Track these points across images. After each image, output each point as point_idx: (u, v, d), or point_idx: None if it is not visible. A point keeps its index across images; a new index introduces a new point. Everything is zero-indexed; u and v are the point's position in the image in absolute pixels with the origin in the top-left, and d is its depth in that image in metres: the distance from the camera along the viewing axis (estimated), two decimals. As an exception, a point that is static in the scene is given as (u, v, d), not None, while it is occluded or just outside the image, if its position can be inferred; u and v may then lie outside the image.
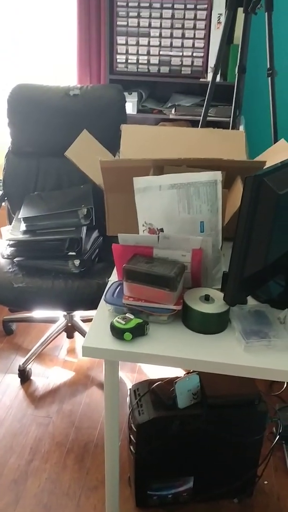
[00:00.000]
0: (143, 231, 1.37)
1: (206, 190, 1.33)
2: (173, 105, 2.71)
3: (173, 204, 1.33)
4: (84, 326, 2.29)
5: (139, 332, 1.18)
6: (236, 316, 1.25)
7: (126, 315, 1.20)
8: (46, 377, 2.20)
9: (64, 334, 2.38)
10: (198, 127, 2.38)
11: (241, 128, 2.56)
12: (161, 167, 1.52)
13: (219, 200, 1.33)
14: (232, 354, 1.15)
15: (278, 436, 1.77)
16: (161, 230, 1.34)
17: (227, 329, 1.23)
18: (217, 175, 1.33)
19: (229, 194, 1.52)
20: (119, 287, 1.30)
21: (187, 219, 1.33)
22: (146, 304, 1.22)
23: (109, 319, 1.21)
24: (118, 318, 1.19)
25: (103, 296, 1.27)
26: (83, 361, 2.29)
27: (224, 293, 1.22)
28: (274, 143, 2.14)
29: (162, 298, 1.21)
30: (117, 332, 1.17)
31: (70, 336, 2.38)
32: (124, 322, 1.17)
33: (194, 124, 2.73)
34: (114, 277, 1.40)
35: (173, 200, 1.33)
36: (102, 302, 1.27)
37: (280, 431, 1.78)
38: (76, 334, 2.38)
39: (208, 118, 2.42)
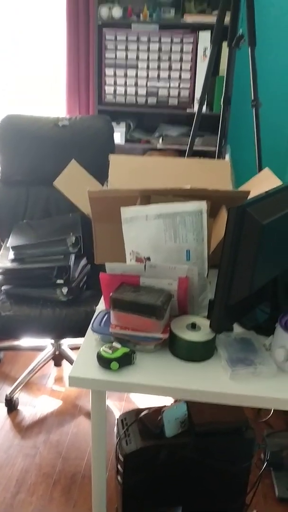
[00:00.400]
0: (130, 260, 1.39)
1: (192, 219, 1.35)
2: (160, 135, 2.77)
3: (160, 234, 1.35)
4: (72, 354, 2.28)
5: (126, 361, 1.18)
6: (223, 344, 1.26)
7: (113, 344, 1.21)
8: (33, 406, 2.18)
9: (52, 362, 2.37)
10: (185, 156, 2.44)
11: (227, 157, 2.62)
12: (148, 196, 1.55)
13: (205, 229, 1.36)
14: (219, 382, 1.16)
15: (265, 463, 1.76)
16: (148, 259, 1.36)
17: (214, 357, 1.24)
18: (202, 205, 1.36)
19: (214, 223, 1.54)
20: (106, 316, 1.30)
21: (174, 248, 1.35)
22: (133, 333, 1.23)
23: (96, 348, 1.21)
24: (105, 347, 1.19)
25: (90, 325, 1.28)
26: (71, 390, 2.28)
27: (210, 321, 1.24)
28: (259, 171, 2.19)
29: (149, 327, 1.22)
30: (104, 362, 1.17)
31: (57, 364, 2.37)
32: (111, 352, 1.18)
33: (181, 153, 2.78)
34: (101, 305, 1.42)
35: (159, 229, 1.35)
36: (89, 331, 1.28)
37: (268, 458, 1.78)
38: (64, 362, 2.37)
39: (195, 148, 2.47)
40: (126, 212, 1.38)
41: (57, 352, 2.30)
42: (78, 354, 1.24)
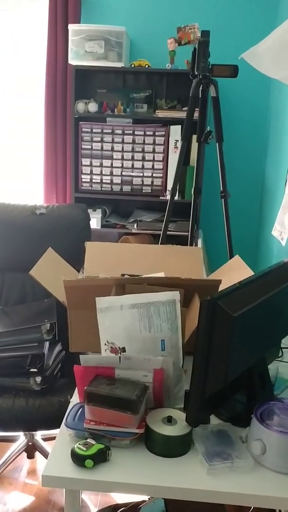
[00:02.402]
0: (105, 350, 1.39)
1: (166, 309, 1.38)
2: (135, 220, 2.85)
3: (135, 323, 1.37)
4: (45, 445, 2.19)
5: (100, 458, 1.15)
6: (199, 437, 1.24)
7: (88, 440, 1.18)
8: (3, 503, 2.06)
9: (25, 454, 2.26)
10: (159, 240, 2.51)
11: (200, 241, 2.70)
12: (122, 285, 1.57)
13: (179, 318, 1.38)
14: (196, 478, 1.13)
15: None
16: (123, 349, 1.37)
17: (191, 451, 1.22)
18: (176, 295, 1.39)
19: (187, 311, 1.57)
20: (80, 410, 1.28)
21: (148, 337, 1.36)
22: (108, 428, 1.20)
23: (70, 445, 1.18)
24: (79, 444, 1.16)
25: (64, 420, 1.25)
26: (44, 484, 2.16)
27: (186, 414, 1.23)
28: (230, 258, 2.26)
29: (124, 422, 1.20)
30: (78, 459, 1.14)
31: (30, 456, 2.27)
32: (85, 449, 1.15)
33: (155, 237, 2.86)
34: (75, 397, 1.39)
35: (134, 319, 1.37)
36: (63, 426, 1.25)
37: None
38: (37, 453, 2.27)
39: (169, 232, 2.55)
40: (101, 302, 1.40)
41: (30, 444, 2.21)
42: (51, 450, 1.21)
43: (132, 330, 1.36)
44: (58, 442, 1.23)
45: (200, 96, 2.19)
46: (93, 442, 1.17)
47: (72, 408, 1.30)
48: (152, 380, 1.26)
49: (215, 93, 2.15)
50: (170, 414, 1.25)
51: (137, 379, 1.26)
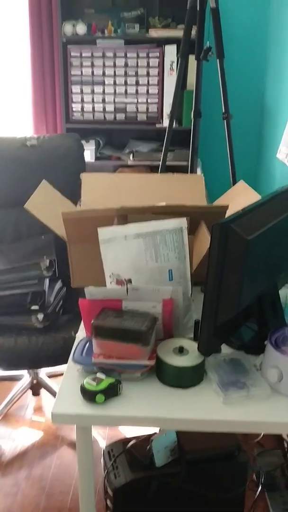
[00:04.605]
0: (110, 282, 1.32)
1: (173, 237, 1.30)
2: (130, 151, 2.72)
3: (140, 254, 1.29)
4: (50, 383, 2.18)
5: (112, 393, 1.11)
6: (212, 367, 1.20)
7: (97, 375, 1.13)
8: (12, 439, 2.07)
9: (30, 392, 2.26)
10: (155, 172, 2.40)
11: (199, 170, 2.59)
12: (125, 215, 1.49)
13: (186, 246, 1.31)
14: (212, 409, 1.10)
15: (260, 486, 1.70)
16: (129, 280, 1.30)
17: (204, 381, 1.18)
18: (183, 222, 1.31)
19: (194, 239, 1.49)
20: (87, 344, 1.23)
21: (155, 268, 1.29)
22: (118, 362, 1.15)
23: (79, 380, 1.13)
24: (89, 379, 1.11)
25: (70, 356, 1.20)
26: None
27: (198, 344, 1.18)
28: (233, 184, 2.16)
29: (134, 354, 1.14)
30: (89, 395, 1.09)
31: (36, 393, 2.26)
32: (95, 384, 1.10)
33: (152, 169, 2.74)
34: (81, 332, 1.34)
35: (139, 249, 1.29)
36: (70, 362, 1.20)
37: (262, 481, 1.71)
38: (43, 391, 2.27)
39: (167, 163, 2.43)
40: (104, 233, 1.31)
41: (34, 381, 2.20)
42: (59, 387, 1.16)
43: (138, 260, 1.29)
44: (66, 378, 1.18)
45: (198, 8, 2.01)
46: (102, 376, 1.12)
47: (79, 343, 1.24)
48: (161, 311, 1.20)
49: (215, 3, 1.97)
50: (181, 344, 1.20)
51: (146, 310, 1.20)
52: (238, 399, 1.12)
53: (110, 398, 1.11)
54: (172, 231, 1.30)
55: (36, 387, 2.22)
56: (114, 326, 1.14)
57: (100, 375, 1.13)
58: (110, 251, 1.31)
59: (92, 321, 1.15)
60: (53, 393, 2.16)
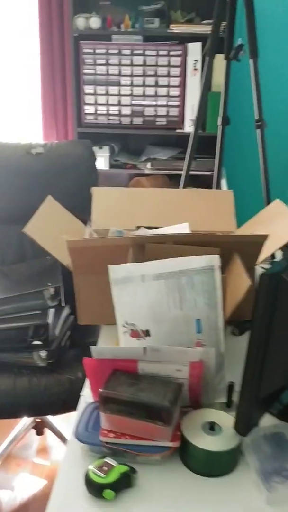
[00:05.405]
0: (124, 333, 1.08)
1: (202, 279, 1.05)
2: (148, 158, 2.48)
3: (161, 299, 1.05)
4: (55, 421, 1.94)
5: (123, 485, 0.87)
6: (250, 446, 0.95)
7: (105, 460, 0.89)
8: (11, 488, 1.83)
9: (33, 431, 2.02)
10: (175, 181, 2.16)
11: (224, 182, 2.33)
12: (141, 244, 1.25)
13: (218, 290, 1.06)
14: (250, 504, 0.86)
15: None
16: (147, 332, 1.05)
17: (240, 465, 0.93)
18: (214, 260, 1.06)
19: (227, 278, 1.24)
20: (95, 413, 0.99)
21: (180, 316, 1.05)
22: (132, 442, 0.91)
23: (83, 464, 0.90)
24: (95, 466, 0.87)
25: (73, 430, 0.96)
26: (57, 464, 1.92)
27: (234, 421, 0.93)
28: (267, 202, 1.90)
29: (153, 433, 0.90)
30: (95, 489, 0.85)
31: (40, 432, 2.03)
32: (103, 474, 0.86)
33: (171, 178, 2.50)
34: (87, 390, 1.09)
35: (160, 293, 1.05)
36: (72, 437, 0.96)
37: None
38: (47, 429, 2.03)
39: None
40: (116, 271, 1.07)
41: (38, 420, 1.96)
42: (59, 471, 0.92)
43: (158, 307, 1.05)
44: (67, 458, 0.95)
45: (229, 0, 1.76)
46: (113, 463, 0.88)
47: (83, 411, 1.00)
48: (187, 376, 0.96)
49: (249, -5, 1.71)
50: (212, 419, 0.95)
51: (168, 374, 0.96)
52: (285, 491, 0.87)
53: (122, 490, 0.87)
54: (200, 270, 1.05)
55: (40, 426, 1.98)
56: (128, 399, 0.90)
57: (109, 460, 0.89)
58: (124, 295, 1.07)
59: (100, 390, 0.91)
60: (58, 434, 1.93)
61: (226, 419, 0.96)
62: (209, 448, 0.90)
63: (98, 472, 0.86)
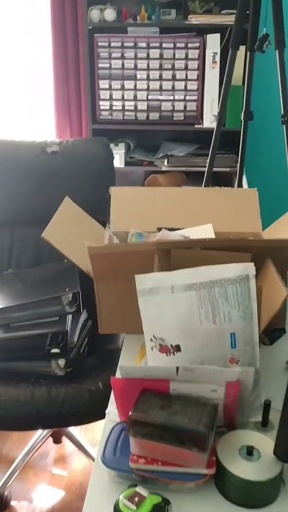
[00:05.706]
0: (152, 348, 1.00)
1: (236, 289, 0.97)
2: (165, 155, 2.40)
3: (192, 311, 0.97)
4: (72, 430, 1.88)
5: (157, 517, 0.80)
6: (291, 472, 0.88)
7: (136, 489, 0.82)
8: (29, 500, 1.77)
9: (50, 439, 1.96)
10: (192, 178, 2.09)
11: (244, 179, 2.25)
12: (166, 250, 1.17)
13: (254, 301, 0.98)
14: None
15: None
16: (177, 347, 0.98)
17: (282, 495, 0.86)
18: (249, 268, 0.98)
19: (261, 285, 1.16)
20: (122, 435, 0.92)
21: (212, 330, 0.97)
22: (165, 468, 0.84)
23: (111, 492, 0.83)
24: (126, 497, 0.80)
25: (100, 454, 0.89)
26: (75, 474, 1.86)
27: (275, 445, 0.85)
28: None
29: (187, 460, 0.83)
30: (126, 523, 0.78)
31: (57, 441, 1.97)
32: (134, 506, 0.79)
33: (188, 175, 2.42)
34: (113, 408, 1.03)
35: (191, 305, 0.97)
36: (98, 461, 0.89)
37: None
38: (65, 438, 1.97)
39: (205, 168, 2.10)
40: (143, 281, 1.00)
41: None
42: (86, 497, 0.86)
43: (189, 320, 0.97)
44: (94, 485, 0.88)
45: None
46: (144, 493, 0.81)
47: (110, 432, 0.93)
48: (223, 396, 0.89)
49: (275, -19, 1.62)
50: (249, 443, 0.88)
51: (202, 395, 0.88)
52: None
53: (154, 522, 0.80)
54: (235, 280, 0.97)
55: (57, 434, 1.92)
56: (160, 423, 0.83)
57: (140, 490, 0.82)
58: (152, 307, 0.99)
59: (129, 414, 0.84)
60: (76, 443, 1.87)
61: (264, 442, 0.89)
62: (249, 477, 0.82)
63: (129, 504, 0.79)
